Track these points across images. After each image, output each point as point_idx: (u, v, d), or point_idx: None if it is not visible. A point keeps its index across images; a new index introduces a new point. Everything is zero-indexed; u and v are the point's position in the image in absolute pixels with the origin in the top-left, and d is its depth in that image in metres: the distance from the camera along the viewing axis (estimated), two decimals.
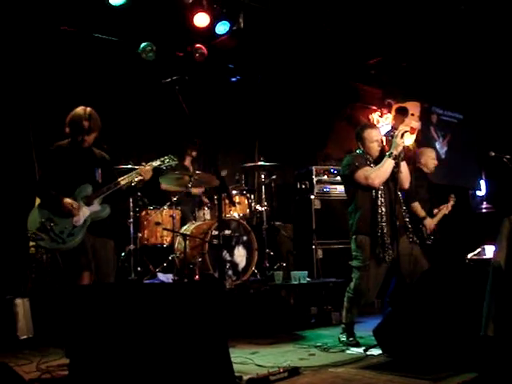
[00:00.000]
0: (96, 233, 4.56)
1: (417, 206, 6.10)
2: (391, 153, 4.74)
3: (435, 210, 6.38)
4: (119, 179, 4.64)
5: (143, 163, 4.89)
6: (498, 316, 3.56)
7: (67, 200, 4.43)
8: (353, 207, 4.94)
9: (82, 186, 4.55)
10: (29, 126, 6.19)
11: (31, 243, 5.52)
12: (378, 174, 4.77)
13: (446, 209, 6.42)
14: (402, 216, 4.88)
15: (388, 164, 4.75)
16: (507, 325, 3.54)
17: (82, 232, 4.46)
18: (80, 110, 4.58)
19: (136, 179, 4.70)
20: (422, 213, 6.10)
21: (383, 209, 4.75)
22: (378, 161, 4.90)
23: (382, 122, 9.50)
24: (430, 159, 6.45)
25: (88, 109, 4.58)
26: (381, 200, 4.77)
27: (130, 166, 5.68)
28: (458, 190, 8.81)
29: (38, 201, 5.70)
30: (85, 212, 4.51)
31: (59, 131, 6.08)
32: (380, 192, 4.79)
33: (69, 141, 4.65)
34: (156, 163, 4.93)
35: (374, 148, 4.93)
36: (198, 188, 6.95)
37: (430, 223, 6.15)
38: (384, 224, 4.72)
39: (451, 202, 6.50)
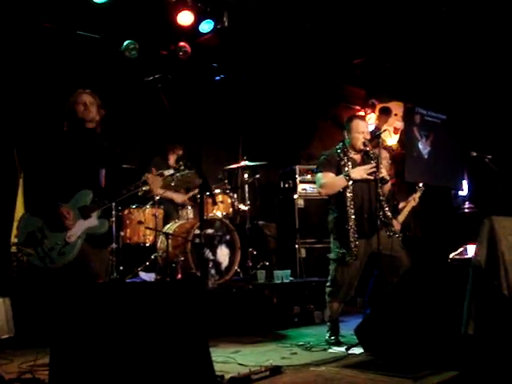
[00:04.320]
0: (91, 243, 4.09)
1: None
2: (348, 175, 4.85)
3: (402, 204, 6.38)
4: (123, 191, 4.19)
5: (153, 169, 4.44)
6: (478, 315, 3.60)
7: (64, 209, 3.92)
8: (330, 205, 5.07)
9: (81, 193, 4.05)
10: (9, 124, 6.11)
11: (13, 240, 5.42)
12: (328, 186, 4.93)
13: (413, 201, 6.43)
14: (381, 212, 4.91)
15: (340, 182, 4.87)
16: (487, 323, 3.57)
17: (75, 250, 3.96)
18: (77, 92, 4.27)
19: (143, 188, 4.32)
20: None
21: (352, 210, 4.83)
22: (359, 152, 5.04)
23: None
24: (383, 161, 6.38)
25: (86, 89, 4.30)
26: (351, 201, 4.85)
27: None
28: (441, 190, 8.88)
29: (19, 198, 5.70)
30: (80, 226, 3.99)
31: (40, 130, 6.07)
32: (351, 193, 4.86)
33: (69, 131, 4.24)
34: (169, 172, 4.49)
35: (359, 139, 4.98)
36: (181, 195, 6.90)
37: (396, 224, 6.03)
38: (351, 225, 4.80)
39: (418, 193, 6.49)
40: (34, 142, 5.59)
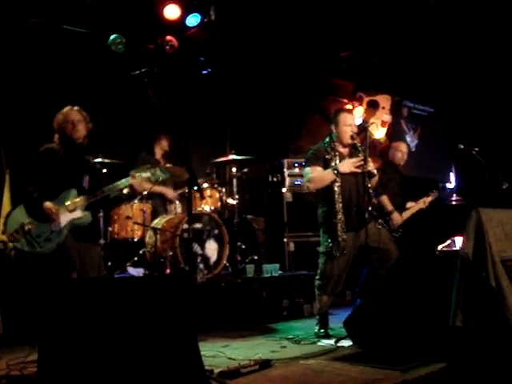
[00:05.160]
0: (80, 238, 4.59)
1: (385, 199, 6.14)
2: (337, 169, 4.84)
3: (410, 203, 6.41)
4: (105, 188, 4.66)
5: (132, 173, 4.86)
6: (465, 306, 3.62)
7: (47, 203, 4.44)
8: (318, 199, 5.06)
9: (66, 191, 4.57)
10: None
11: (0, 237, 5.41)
12: (316, 181, 4.91)
13: (423, 203, 6.48)
14: (368, 205, 4.92)
15: (328, 177, 4.86)
16: (475, 315, 3.59)
17: (60, 237, 4.48)
18: (65, 109, 4.65)
19: (124, 191, 4.83)
20: (389, 206, 6.13)
21: (341, 204, 4.84)
22: (347, 146, 5.02)
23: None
24: (397, 152, 6.46)
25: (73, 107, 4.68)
26: (339, 195, 4.85)
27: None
28: (429, 182, 8.91)
29: (6, 195, 5.66)
30: (65, 217, 4.51)
31: (26, 126, 6.04)
32: (339, 187, 4.86)
33: (59, 143, 4.67)
34: (146, 174, 4.89)
35: (347, 132, 4.97)
36: (170, 190, 6.86)
37: (397, 218, 6.15)
38: (339, 218, 4.81)
39: (430, 198, 6.56)
40: (21, 141, 5.68)
